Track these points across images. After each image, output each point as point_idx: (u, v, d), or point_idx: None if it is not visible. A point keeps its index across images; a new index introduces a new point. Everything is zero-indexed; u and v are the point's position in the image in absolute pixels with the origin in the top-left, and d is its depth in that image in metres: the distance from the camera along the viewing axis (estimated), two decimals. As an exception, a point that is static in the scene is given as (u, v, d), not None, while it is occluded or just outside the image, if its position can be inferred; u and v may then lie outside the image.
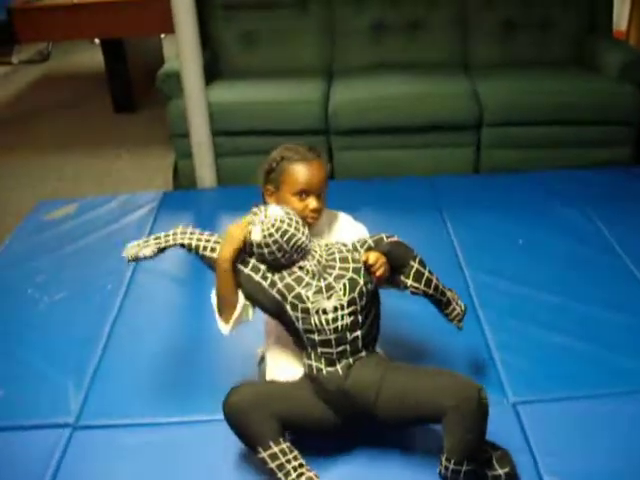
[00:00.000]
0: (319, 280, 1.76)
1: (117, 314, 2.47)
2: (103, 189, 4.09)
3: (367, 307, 1.79)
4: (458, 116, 3.61)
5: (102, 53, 5.40)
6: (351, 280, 1.76)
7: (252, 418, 1.71)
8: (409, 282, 1.83)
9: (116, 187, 4.11)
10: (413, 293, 1.86)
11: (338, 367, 1.76)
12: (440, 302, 1.89)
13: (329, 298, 1.75)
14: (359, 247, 1.83)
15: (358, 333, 1.76)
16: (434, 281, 1.85)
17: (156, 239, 1.87)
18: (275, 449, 1.69)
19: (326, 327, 1.74)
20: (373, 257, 1.78)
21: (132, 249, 1.86)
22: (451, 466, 1.66)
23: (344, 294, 1.75)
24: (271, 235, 1.74)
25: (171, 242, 1.86)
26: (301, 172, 1.89)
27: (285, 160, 1.91)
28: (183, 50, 3.42)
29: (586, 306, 2.38)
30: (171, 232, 1.89)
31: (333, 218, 2.06)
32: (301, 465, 1.71)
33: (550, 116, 3.61)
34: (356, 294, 1.76)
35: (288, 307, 1.77)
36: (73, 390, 2.10)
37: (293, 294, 1.76)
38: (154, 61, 5.66)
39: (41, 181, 4.34)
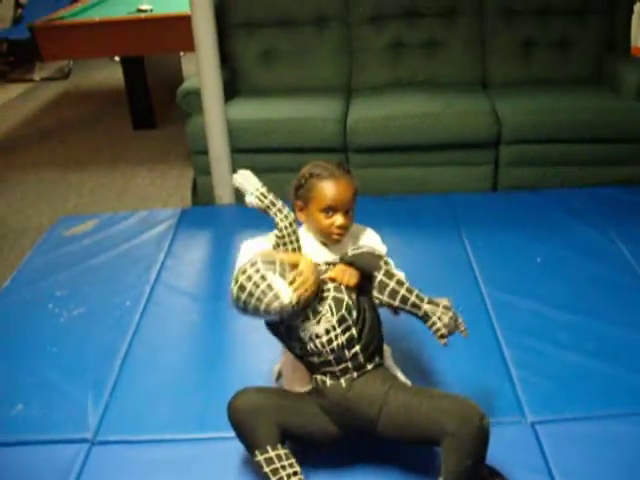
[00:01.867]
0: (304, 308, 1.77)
1: (135, 330, 2.48)
2: (122, 205, 4.13)
3: (360, 320, 1.78)
4: (476, 134, 3.61)
5: (122, 70, 5.45)
6: (335, 299, 1.77)
7: (254, 421, 1.73)
8: (373, 293, 1.79)
9: (135, 203, 4.14)
10: (379, 305, 1.82)
11: (342, 380, 1.77)
12: (417, 316, 1.79)
13: (318, 323, 1.76)
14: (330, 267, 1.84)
15: (357, 348, 1.77)
16: (401, 293, 1.75)
17: (272, 202, 1.85)
18: (271, 454, 1.71)
19: (323, 350, 1.75)
20: (334, 272, 1.81)
21: (246, 182, 1.88)
22: None
23: (332, 315, 1.76)
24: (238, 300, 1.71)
25: (280, 219, 1.84)
26: (328, 189, 1.90)
27: (313, 177, 1.93)
28: (203, 67, 3.45)
29: (605, 325, 2.37)
30: (283, 211, 1.85)
31: (360, 233, 2.07)
32: (295, 473, 1.71)
33: (568, 134, 3.60)
34: (344, 311, 1.76)
35: (285, 338, 1.81)
36: (92, 405, 2.11)
37: (284, 326, 1.79)
38: (173, 79, 5.71)
39: (61, 197, 4.38)
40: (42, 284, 2.83)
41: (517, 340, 2.31)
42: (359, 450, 1.86)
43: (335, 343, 1.75)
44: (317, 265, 1.81)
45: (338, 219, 1.91)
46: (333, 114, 3.73)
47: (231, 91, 3.95)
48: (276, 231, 1.86)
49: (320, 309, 1.77)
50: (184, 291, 2.73)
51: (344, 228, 1.93)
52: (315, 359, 1.78)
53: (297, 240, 1.86)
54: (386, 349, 2.01)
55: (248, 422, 1.74)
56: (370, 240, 2.06)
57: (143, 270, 2.87)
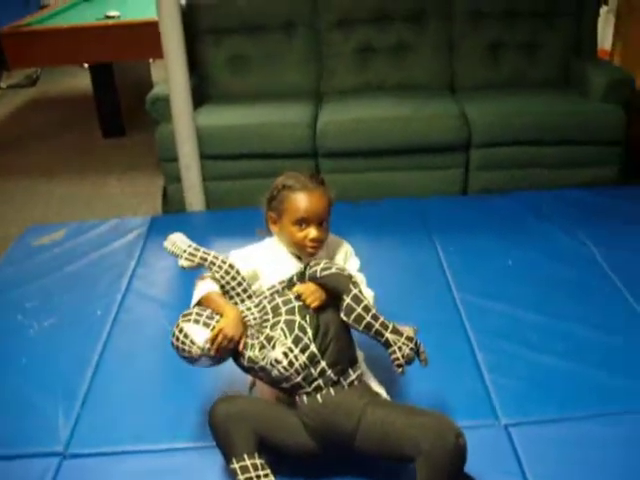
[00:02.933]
0: (258, 337, 1.79)
1: (107, 339, 2.45)
2: (92, 214, 4.08)
3: (321, 335, 1.78)
4: (446, 138, 3.63)
5: (90, 78, 5.40)
6: (287, 322, 1.78)
7: (232, 429, 1.73)
8: (341, 315, 1.80)
9: (105, 212, 4.10)
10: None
11: (318, 396, 1.77)
12: (380, 342, 1.80)
13: (274, 348, 1.77)
14: (287, 287, 1.87)
15: (323, 364, 1.76)
16: (366, 319, 1.76)
17: (202, 257, 1.91)
18: (247, 462, 1.71)
19: (287, 374, 1.76)
20: (301, 288, 1.82)
21: (174, 246, 1.95)
22: None
23: (285, 337, 1.77)
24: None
25: (215, 270, 1.90)
26: (301, 201, 1.89)
27: (286, 188, 1.92)
28: (171, 74, 3.43)
29: (576, 327, 2.38)
30: (221, 261, 1.91)
31: (336, 246, 2.06)
32: None
33: (537, 136, 3.64)
34: (297, 331, 1.77)
35: (250, 372, 1.85)
36: (63, 417, 2.08)
37: (245, 361, 1.81)
38: (143, 86, 5.67)
39: (29, 207, 4.33)
40: (10, 295, 2.79)
41: (489, 343, 2.32)
42: (336, 464, 1.85)
43: (297, 364, 1.75)
44: (241, 315, 1.85)
45: (312, 232, 1.90)
46: (303, 119, 3.73)
47: (200, 97, 3.93)
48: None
49: (273, 334, 1.78)
50: (156, 299, 2.71)
51: (318, 241, 1.92)
52: (285, 384, 1.79)
53: (239, 284, 1.89)
54: (359, 354, 2.01)
55: (227, 428, 1.74)
56: (344, 251, 2.06)
57: (114, 278, 2.84)
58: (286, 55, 4.16)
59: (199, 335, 1.79)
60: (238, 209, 3.46)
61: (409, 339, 1.77)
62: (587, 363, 2.20)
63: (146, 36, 4.43)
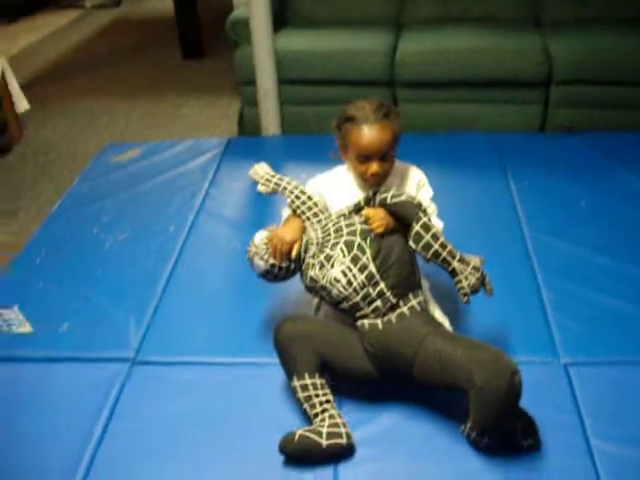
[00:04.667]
0: (318, 257, 1.83)
1: (178, 256, 2.53)
2: (170, 134, 4.16)
3: (381, 256, 1.79)
4: (527, 72, 3.54)
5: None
6: (346, 242, 1.81)
7: (296, 348, 1.78)
8: (408, 241, 1.81)
9: (182, 133, 4.17)
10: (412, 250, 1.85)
11: (378, 321, 1.80)
12: (447, 271, 1.81)
13: (333, 267, 1.80)
14: (354, 211, 1.90)
15: (382, 286, 1.78)
16: (434, 247, 1.77)
17: (276, 184, 2.03)
18: (307, 381, 1.76)
19: (346, 292, 1.79)
20: (370, 212, 1.84)
21: (255, 174, 2.08)
22: (473, 434, 1.69)
23: (344, 256, 1.79)
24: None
25: (287, 195, 1.99)
26: (360, 137, 1.88)
27: (349, 121, 1.90)
28: (253, -4, 3.41)
29: (643, 271, 2.35)
30: (294, 187, 2.00)
31: (409, 174, 2.05)
32: (328, 401, 1.76)
33: (621, 76, 3.51)
34: (355, 250, 1.79)
35: (313, 293, 1.90)
36: (134, 327, 2.18)
37: (307, 280, 1.86)
38: (223, 8, 5.66)
39: (109, 125, 4.43)
40: (88, 209, 2.89)
41: (555, 282, 2.30)
42: (392, 389, 1.88)
43: (355, 283, 1.78)
44: (302, 225, 1.94)
45: (372, 166, 1.89)
46: (382, 47, 3.69)
47: (280, 22, 3.91)
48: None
49: (332, 254, 1.81)
50: (227, 220, 2.77)
51: (379, 175, 1.91)
52: (345, 305, 1.81)
53: (309, 208, 1.95)
54: (424, 283, 2.02)
55: (290, 349, 1.78)
56: (417, 180, 2.05)
57: (187, 198, 2.91)
58: (368, -19, 4.08)
59: (259, 235, 1.95)
60: (313, 135, 3.47)
61: (476, 269, 1.78)
62: (653, 309, 2.17)
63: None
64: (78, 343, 2.14)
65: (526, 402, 1.70)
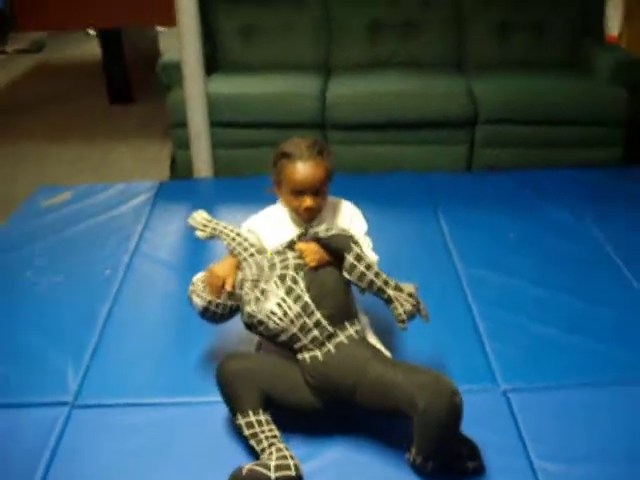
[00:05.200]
0: (254, 292, 1.86)
1: (115, 297, 2.50)
2: (101, 179, 4.09)
3: (316, 289, 1.83)
4: (453, 113, 3.66)
5: (99, 43, 5.43)
6: (280, 276, 1.85)
7: (238, 386, 1.78)
8: (343, 273, 1.85)
9: (113, 177, 4.11)
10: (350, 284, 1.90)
11: (318, 353, 1.81)
12: (382, 299, 1.86)
13: (268, 299, 1.83)
14: (288, 247, 1.94)
15: (318, 315, 1.81)
16: (369, 277, 1.82)
17: (213, 228, 2.09)
18: (252, 418, 1.76)
19: (282, 324, 1.81)
20: (303, 246, 1.88)
21: (194, 221, 2.14)
22: (418, 460, 1.71)
23: (277, 288, 1.84)
24: None
25: (223, 238, 2.06)
26: (295, 172, 1.95)
27: (284, 157, 1.97)
28: (184, 40, 3.44)
29: (574, 299, 2.44)
30: (229, 230, 2.06)
31: (342, 209, 2.11)
32: (274, 436, 1.76)
33: (542, 116, 3.67)
34: (289, 282, 1.83)
35: (252, 329, 1.91)
36: (72, 369, 2.14)
37: (245, 316, 1.88)
38: (151, 54, 5.69)
39: (38, 169, 4.35)
40: (20, 253, 2.83)
41: (489, 312, 2.37)
42: (337, 420, 1.89)
43: (291, 313, 1.81)
44: (235, 263, 1.99)
45: (306, 201, 1.96)
46: (312, 90, 3.76)
47: (212, 65, 3.95)
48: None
49: (266, 287, 1.84)
50: (163, 262, 2.76)
51: (312, 210, 1.97)
52: (283, 337, 1.83)
53: (245, 249, 1.99)
54: (363, 318, 2.05)
55: (234, 385, 1.78)
56: (350, 214, 2.11)
57: (122, 240, 2.89)
58: (297, 27, 4.17)
59: (198, 275, 2.01)
60: (245, 177, 3.50)
61: (410, 295, 1.83)
62: (583, 334, 2.25)
63: (157, 1, 4.42)
64: (14, 388, 2.08)
65: (469, 428, 1.74)
